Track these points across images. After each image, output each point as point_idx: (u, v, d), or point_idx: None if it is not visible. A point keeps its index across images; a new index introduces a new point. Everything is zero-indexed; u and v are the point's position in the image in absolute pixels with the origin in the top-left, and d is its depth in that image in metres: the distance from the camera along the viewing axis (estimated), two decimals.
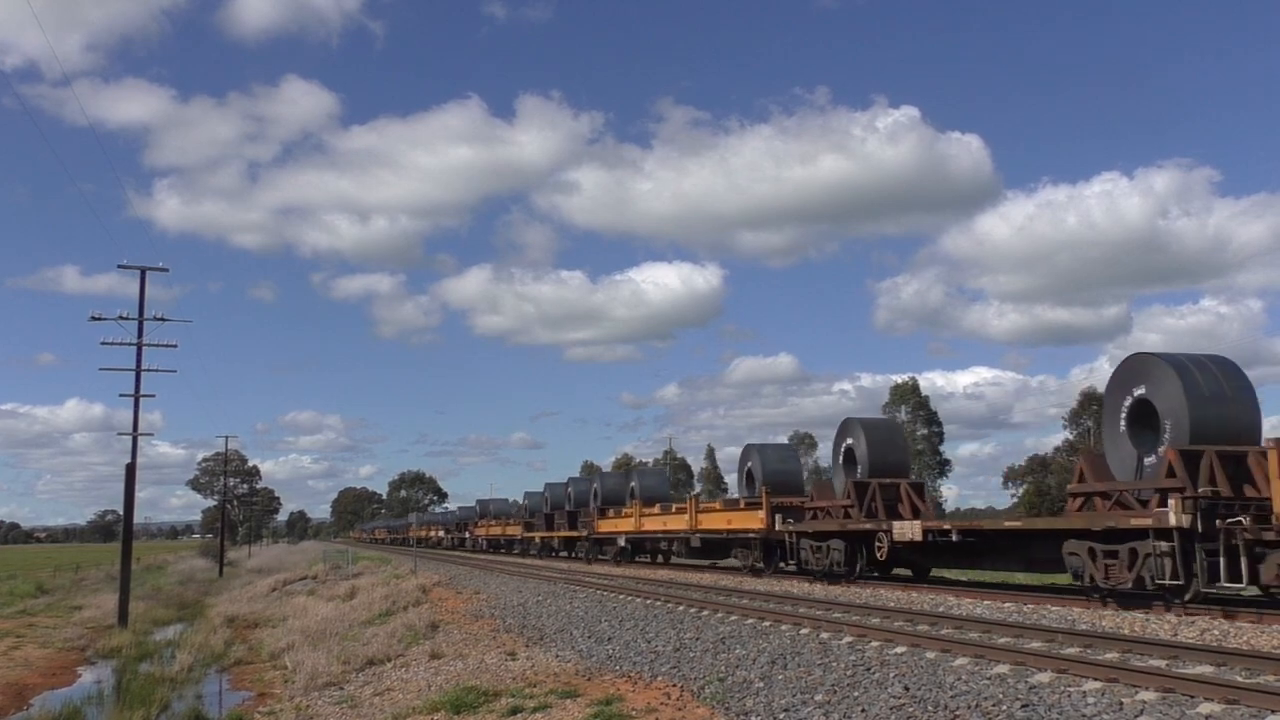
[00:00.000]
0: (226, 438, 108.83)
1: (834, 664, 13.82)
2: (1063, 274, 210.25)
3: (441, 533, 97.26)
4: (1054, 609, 18.76)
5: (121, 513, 41.52)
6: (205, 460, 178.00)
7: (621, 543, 45.70)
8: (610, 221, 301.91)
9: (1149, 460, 19.47)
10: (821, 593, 24.72)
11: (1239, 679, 10.72)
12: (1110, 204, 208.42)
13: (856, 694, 11.99)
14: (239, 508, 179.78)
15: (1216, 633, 15.00)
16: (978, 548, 23.73)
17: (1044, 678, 11.45)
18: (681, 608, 22.29)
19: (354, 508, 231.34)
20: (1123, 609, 18.15)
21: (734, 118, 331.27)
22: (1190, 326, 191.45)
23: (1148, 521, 17.64)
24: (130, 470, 38.47)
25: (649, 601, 24.39)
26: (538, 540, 59.93)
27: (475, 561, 58.67)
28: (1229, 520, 16.58)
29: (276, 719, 18.12)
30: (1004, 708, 10.44)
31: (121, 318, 39.03)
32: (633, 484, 48.45)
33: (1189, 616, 16.64)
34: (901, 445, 29.95)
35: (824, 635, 16.28)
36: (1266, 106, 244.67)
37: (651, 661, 16.28)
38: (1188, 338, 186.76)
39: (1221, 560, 16.53)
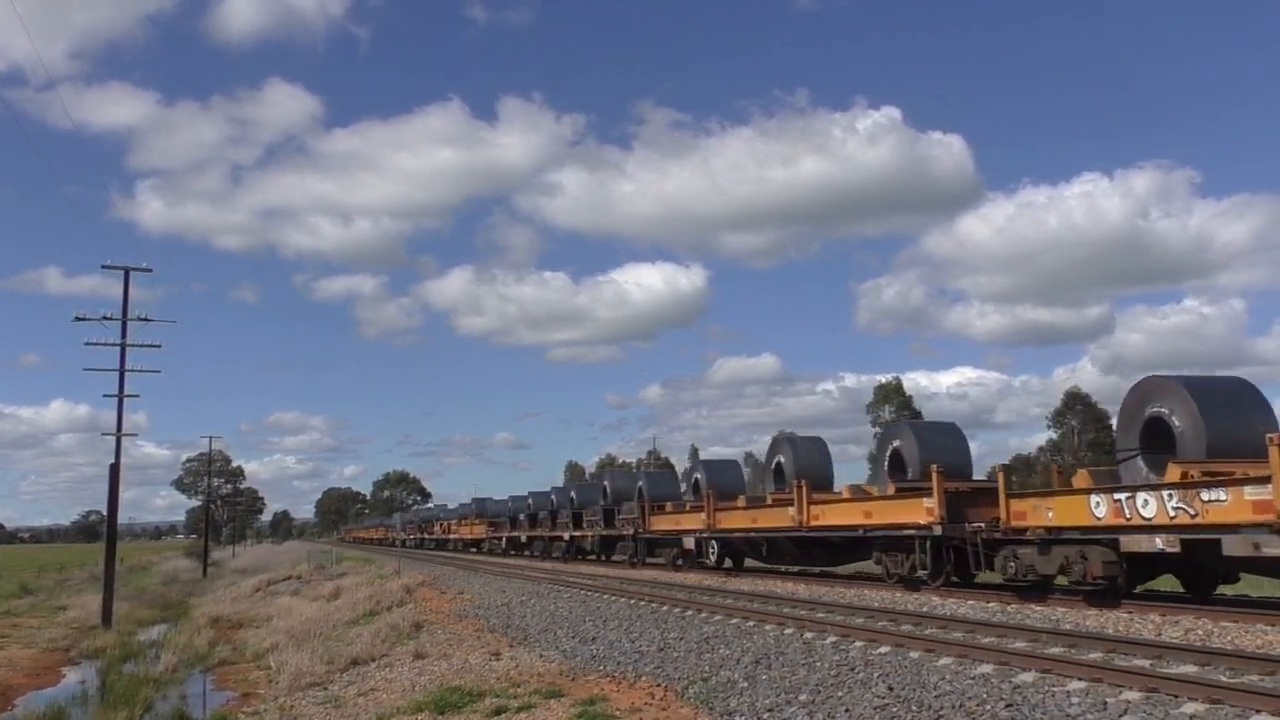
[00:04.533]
0: (211, 438, 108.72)
1: (818, 664, 13.82)
2: (1044, 275, 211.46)
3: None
4: (1038, 609, 18.81)
5: (106, 513, 41.34)
6: (190, 461, 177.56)
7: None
8: (592, 223, 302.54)
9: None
10: (806, 592, 24.74)
11: (1223, 679, 10.74)
12: (1091, 205, 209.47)
13: (840, 694, 11.98)
14: (223, 508, 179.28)
15: (1200, 632, 15.04)
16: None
17: (1028, 677, 11.47)
18: (665, 607, 22.28)
19: (338, 508, 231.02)
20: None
21: (714, 119, 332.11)
22: (1173, 326, 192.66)
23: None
24: (114, 470, 38.32)
25: (633, 601, 24.37)
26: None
27: (460, 562, 58.55)
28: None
29: (261, 719, 18.05)
30: (988, 707, 10.44)
31: (105, 318, 38.91)
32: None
33: (1173, 616, 16.70)
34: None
35: (808, 635, 16.29)
36: (1246, 108, 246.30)
37: (636, 661, 16.26)
38: (1170, 338, 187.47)
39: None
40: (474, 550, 73.15)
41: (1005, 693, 10.91)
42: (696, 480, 37.55)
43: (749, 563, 35.27)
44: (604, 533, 45.12)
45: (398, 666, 20.13)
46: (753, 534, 31.63)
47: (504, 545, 64.67)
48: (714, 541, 33.87)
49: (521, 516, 60.33)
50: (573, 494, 52.75)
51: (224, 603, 46.73)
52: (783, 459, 32.98)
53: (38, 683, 25.47)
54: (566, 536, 50.84)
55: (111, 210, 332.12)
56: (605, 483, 48.13)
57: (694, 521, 35.00)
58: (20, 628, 36.43)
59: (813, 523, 27.29)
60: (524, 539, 60.07)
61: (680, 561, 36.43)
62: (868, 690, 11.94)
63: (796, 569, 32.58)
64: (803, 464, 31.89)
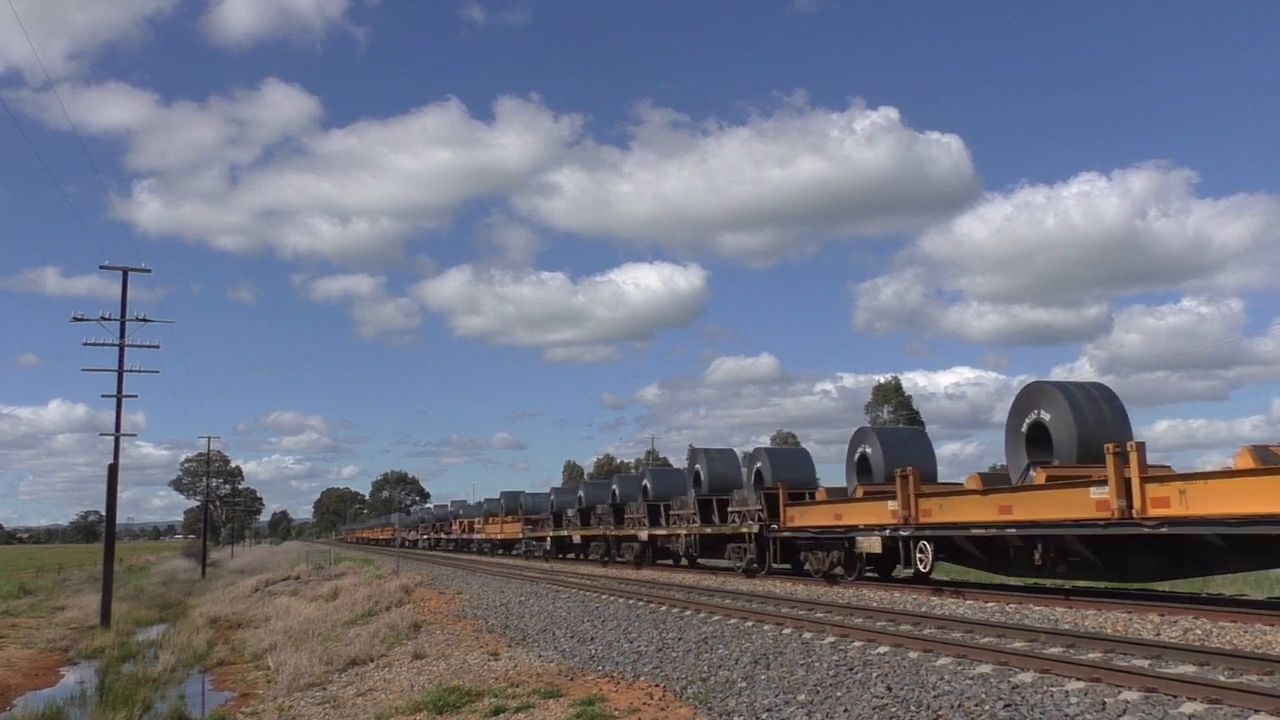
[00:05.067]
0: (209, 438, 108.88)
1: (816, 664, 13.81)
2: (1042, 275, 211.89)
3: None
4: (1036, 609, 18.80)
5: (104, 513, 41.32)
6: (188, 461, 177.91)
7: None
8: (590, 223, 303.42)
9: None
10: (804, 593, 24.73)
11: (1221, 679, 10.73)
12: (1089, 205, 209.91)
13: (839, 694, 11.97)
14: (221, 508, 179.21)
15: (1199, 632, 15.04)
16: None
17: (1027, 677, 11.45)
18: (664, 608, 22.27)
19: (337, 508, 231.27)
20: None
21: (712, 120, 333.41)
22: (1171, 327, 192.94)
23: None
24: (113, 471, 38.29)
25: (631, 601, 24.36)
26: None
27: (458, 562, 58.63)
28: None
29: (259, 719, 18.04)
30: (987, 708, 10.43)
31: (104, 319, 38.93)
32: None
33: (1172, 616, 16.70)
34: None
35: (806, 635, 16.27)
36: (1245, 108, 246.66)
37: (634, 661, 16.25)
38: (1168, 338, 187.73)
39: None
40: (501, 552, 64.49)
41: (1004, 693, 10.89)
42: (864, 455, 28.94)
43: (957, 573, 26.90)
44: (704, 530, 35.45)
45: (396, 667, 20.13)
46: (1009, 530, 20.99)
47: (548, 547, 54.60)
48: (924, 542, 23.82)
49: (570, 513, 51.06)
50: (646, 483, 43.14)
51: (222, 603, 46.72)
52: (1047, 418, 22.29)
53: (36, 683, 25.46)
54: (644, 536, 40.82)
55: (109, 210, 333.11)
56: (698, 467, 38.47)
57: (875, 514, 25.57)
58: (19, 628, 36.40)
59: (1154, 512, 17.39)
60: (577, 539, 49.90)
61: (842, 570, 27.14)
62: (866, 690, 11.93)
63: (1099, 585, 21.79)
64: (1086, 424, 21.56)
